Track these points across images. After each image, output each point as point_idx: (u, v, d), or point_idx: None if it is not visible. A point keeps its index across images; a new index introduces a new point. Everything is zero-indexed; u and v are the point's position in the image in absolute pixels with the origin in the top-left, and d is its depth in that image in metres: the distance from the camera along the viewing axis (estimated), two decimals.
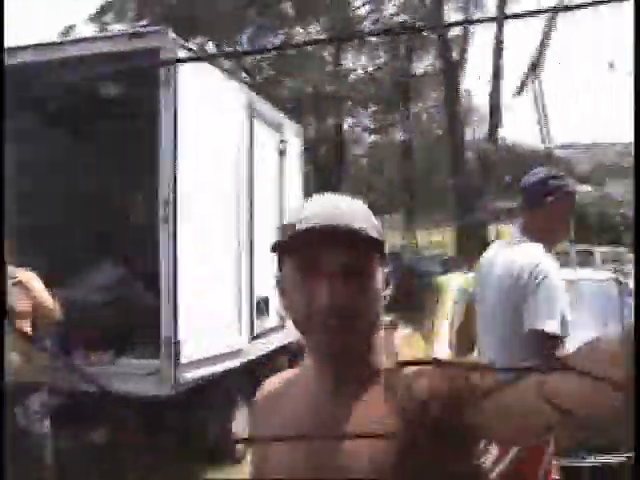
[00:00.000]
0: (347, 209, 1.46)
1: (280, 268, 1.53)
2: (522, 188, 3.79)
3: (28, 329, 5.35)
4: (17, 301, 5.31)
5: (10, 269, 5.31)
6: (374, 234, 1.45)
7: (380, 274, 1.48)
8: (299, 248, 1.46)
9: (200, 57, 6.84)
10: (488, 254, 3.87)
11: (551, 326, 3.26)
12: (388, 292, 1.52)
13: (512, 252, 3.60)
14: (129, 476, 6.49)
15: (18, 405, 5.39)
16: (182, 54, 6.01)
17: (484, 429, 1.33)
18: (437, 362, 1.44)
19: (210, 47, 32.41)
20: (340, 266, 1.42)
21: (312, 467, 1.46)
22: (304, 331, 1.48)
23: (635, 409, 0.81)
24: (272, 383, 1.72)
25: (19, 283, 5.38)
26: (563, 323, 3.33)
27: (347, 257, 1.42)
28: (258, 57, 34.95)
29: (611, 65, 30.88)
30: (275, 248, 1.49)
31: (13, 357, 5.24)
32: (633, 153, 0.83)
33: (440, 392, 1.34)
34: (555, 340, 3.28)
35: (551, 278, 3.34)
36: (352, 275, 1.42)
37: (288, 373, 1.73)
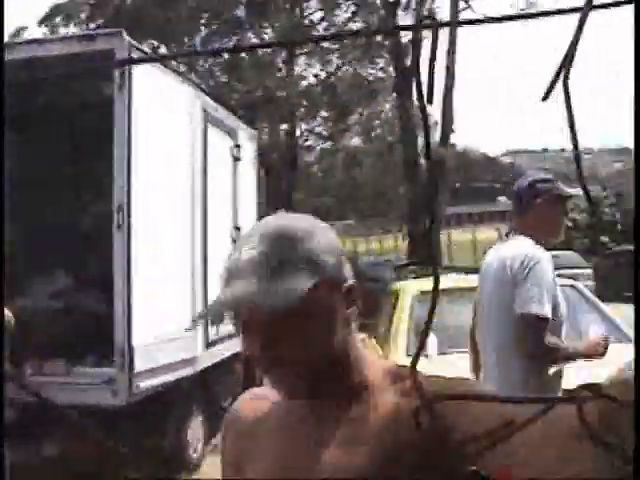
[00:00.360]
0: (261, 262, 1.33)
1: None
2: (514, 192, 3.86)
3: None
4: None
5: None
6: (285, 298, 1.31)
7: (326, 302, 1.38)
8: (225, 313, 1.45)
9: (155, 58, 6.72)
10: (486, 257, 4.01)
11: (540, 309, 3.36)
12: (350, 311, 1.43)
13: (505, 247, 3.76)
14: None
15: None
16: (135, 55, 5.91)
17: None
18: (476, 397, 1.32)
19: (163, 51, 32.26)
20: (261, 328, 1.34)
21: None
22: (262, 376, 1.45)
23: (635, 410, 0.77)
24: (244, 407, 1.62)
25: None
26: (555, 307, 3.46)
27: (266, 321, 1.34)
28: (210, 62, 34.86)
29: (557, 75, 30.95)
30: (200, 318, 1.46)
31: None
32: (633, 152, 0.79)
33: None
34: (545, 322, 3.37)
35: (542, 264, 3.46)
36: (280, 329, 1.34)
37: (259, 395, 1.62)
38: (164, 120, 6.59)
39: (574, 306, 7.02)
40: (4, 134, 5.30)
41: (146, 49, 6.35)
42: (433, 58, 0.76)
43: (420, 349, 0.92)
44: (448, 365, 5.66)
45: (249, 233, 1.43)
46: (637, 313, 0.93)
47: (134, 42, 5.97)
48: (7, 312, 5.45)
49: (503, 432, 1.03)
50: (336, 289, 1.40)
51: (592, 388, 0.78)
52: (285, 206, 38.41)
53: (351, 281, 1.44)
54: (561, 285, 7.14)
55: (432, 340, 5.97)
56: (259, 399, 1.59)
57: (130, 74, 5.80)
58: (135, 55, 5.91)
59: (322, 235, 1.41)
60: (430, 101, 0.80)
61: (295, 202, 41.68)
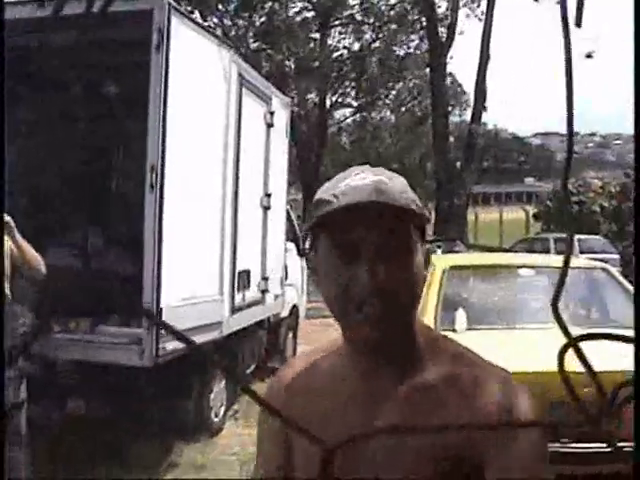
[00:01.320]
0: (387, 183, 1.35)
1: (313, 247, 1.43)
2: None
3: (6, 290, 5.09)
4: None
5: None
6: (413, 205, 1.36)
7: (421, 251, 1.39)
8: (338, 225, 1.34)
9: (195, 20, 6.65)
10: None
11: None
12: (427, 272, 1.44)
13: None
14: (104, 448, 6.41)
15: None
16: (174, 17, 5.86)
17: None
18: None
19: (197, 16, 32.17)
20: (382, 245, 1.32)
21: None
22: (341, 316, 1.37)
23: (635, 410, 0.74)
24: (297, 371, 1.57)
25: None
26: None
27: (390, 235, 1.33)
28: (243, 29, 34.75)
29: (589, 55, 30.49)
30: (311, 226, 1.40)
31: None
32: (634, 152, 0.75)
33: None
34: None
35: None
36: (395, 255, 1.33)
37: (314, 356, 1.57)
38: (200, 82, 6.56)
39: (604, 289, 6.97)
40: (4, 134, 5.28)
41: (184, 11, 6.26)
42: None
43: None
44: (474, 341, 5.66)
45: (351, 171, 1.43)
46: (637, 313, 0.91)
47: (173, 3, 5.91)
48: (40, 260, 5.33)
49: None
50: (424, 243, 1.42)
51: None
52: (312, 176, 38.42)
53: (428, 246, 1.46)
54: (592, 268, 7.15)
55: (460, 315, 5.95)
56: (313, 367, 1.54)
57: (168, 35, 5.76)
58: (174, 16, 5.86)
59: (412, 192, 1.44)
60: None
61: (321, 173, 41.63)
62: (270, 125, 8.77)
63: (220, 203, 7.11)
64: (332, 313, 1.39)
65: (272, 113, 8.78)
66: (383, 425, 1.36)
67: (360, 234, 1.33)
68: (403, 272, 1.34)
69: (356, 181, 1.36)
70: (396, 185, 1.37)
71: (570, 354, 0.71)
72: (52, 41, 6.55)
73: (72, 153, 8.07)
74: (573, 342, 0.59)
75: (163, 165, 5.78)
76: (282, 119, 9.49)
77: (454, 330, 5.78)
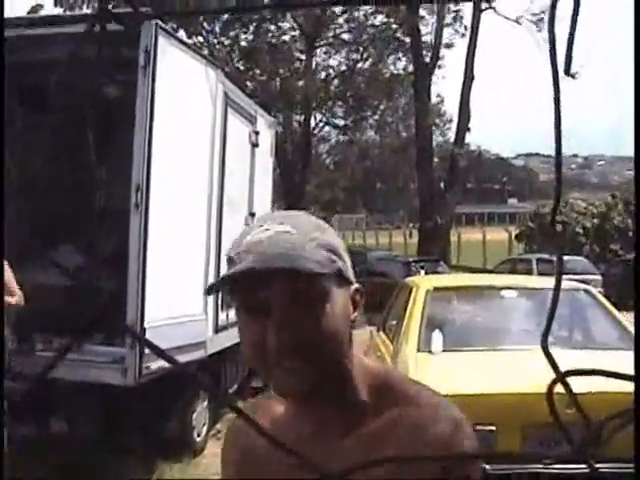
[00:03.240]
0: (284, 239, 1.30)
1: (231, 302, 1.38)
2: None
3: None
4: None
5: None
6: (313, 264, 1.28)
7: (340, 298, 1.34)
8: (241, 287, 1.31)
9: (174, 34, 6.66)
10: None
11: None
12: (356, 314, 1.39)
13: None
14: (85, 467, 6.38)
15: None
16: (162, 36, 5.89)
17: None
18: None
19: (182, 34, 32.25)
20: (287, 304, 1.28)
21: None
22: (258, 370, 1.34)
23: (636, 414, 0.75)
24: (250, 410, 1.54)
25: None
26: None
27: (293, 293, 1.28)
28: (228, 48, 34.86)
29: (573, 76, 30.83)
30: (213, 288, 1.40)
31: None
32: (634, 152, 0.78)
33: None
34: None
35: None
36: (304, 309, 1.29)
37: (263, 405, 1.55)
38: (187, 102, 6.58)
39: (586, 311, 7.00)
40: (4, 135, 5.30)
41: (171, 31, 6.29)
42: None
43: None
44: (451, 362, 5.67)
45: (258, 221, 1.39)
46: (637, 314, 0.93)
47: (161, 23, 5.94)
48: (18, 291, 5.45)
49: None
50: (348, 287, 1.38)
51: None
52: (297, 197, 38.48)
53: (357, 285, 1.42)
54: (575, 289, 7.19)
55: (437, 336, 5.97)
56: (262, 411, 1.51)
57: (155, 54, 5.79)
58: (161, 36, 5.89)
59: (335, 234, 1.40)
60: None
61: (306, 193, 41.69)
62: (255, 145, 8.81)
63: (205, 222, 7.13)
64: (249, 366, 1.37)
65: (257, 133, 8.82)
66: None
67: (263, 295, 1.29)
68: (316, 324, 1.29)
69: (258, 236, 1.32)
70: (301, 237, 1.31)
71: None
72: (39, 57, 6.55)
73: (56, 170, 8.05)
74: (561, 378, 0.60)
75: (148, 184, 5.80)
76: (267, 139, 9.54)
77: (430, 352, 5.81)
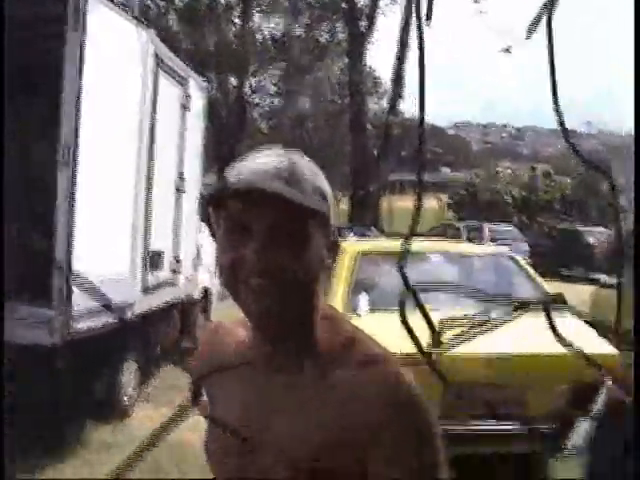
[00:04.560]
0: (283, 170, 1.38)
1: (214, 221, 1.45)
2: None
3: None
4: None
5: None
6: (310, 201, 1.37)
7: (319, 241, 1.41)
8: (231, 206, 1.38)
9: None
10: None
11: None
12: (330, 261, 1.45)
13: None
14: (12, 428, 6.35)
15: None
16: None
17: None
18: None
19: None
20: (273, 230, 1.35)
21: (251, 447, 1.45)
22: (232, 293, 1.41)
23: (635, 410, 0.82)
24: (208, 338, 1.70)
25: None
26: None
27: (275, 219, 1.35)
28: (164, 9, 34.38)
29: (507, 50, 31.36)
30: (206, 201, 1.43)
31: None
32: (634, 149, 0.84)
33: None
34: None
35: None
36: (286, 240, 1.36)
37: (227, 327, 1.64)
38: (116, 61, 6.53)
39: (510, 276, 7.18)
40: (4, 134, 5.25)
41: None
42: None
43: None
44: (376, 321, 5.79)
45: (257, 152, 1.47)
46: (637, 312, 0.98)
47: None
48: None
49: None
50: (328, 233, 1.44)
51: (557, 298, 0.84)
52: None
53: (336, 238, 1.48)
54: (499, 254, 7.37)
55: (363, 299, 6.08)
56: (224, 331, 1.62)
57: (84, 13, 5.73)
58: None
59: (323, 181, 1.47)
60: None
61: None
62: (186, 107, 8.77)
63: (133, 184, 7.11)
64: (223, 285, 1.42)
65: (188, 96, 8.79)
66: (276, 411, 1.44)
67: (251, 217, 1.36)
68: (294, 253, 1.36)
69: (258, 163, 1.40)
70: (297, 172, 1.39)
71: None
72: None
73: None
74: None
75: (76, 142, 5.76)
76: (198, 102, 9.51)
77: (358, 315, 5.92)
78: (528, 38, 0.71)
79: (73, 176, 5.77)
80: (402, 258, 0.85)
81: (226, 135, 37.90)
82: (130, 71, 6.94)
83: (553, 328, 0.79)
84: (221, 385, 1.55)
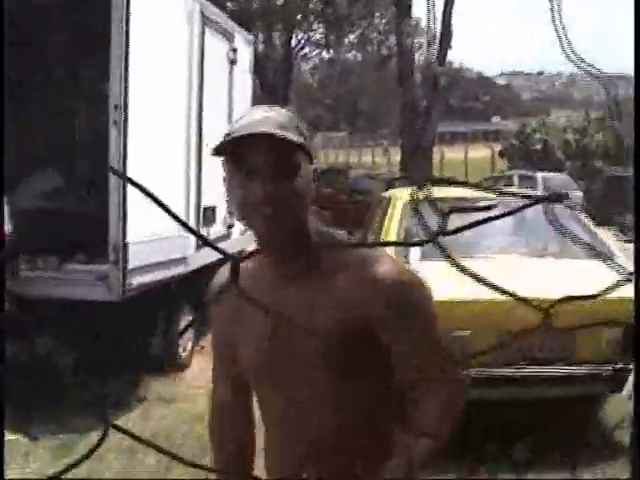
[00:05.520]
0: (271, 118, 1.71)
1: (224, 166, 1.77)
2: None
3: None
4: None
5: None
6: (294, 137, 1.70)
7: (308, 168, 1.77)
8: (236, 152, 1.71)
9: None
10: None
11: None
12: (314, 185, 1.80)
13: None
14: (73, 385, 6.52)
15: None
16: None
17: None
18: None
19: None
20: (266, 164, 1.69)
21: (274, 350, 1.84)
22: (246, 222, 1.75)
23: (635, 408, 0.84)
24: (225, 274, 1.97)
25: None
26: None
27: (271, 156, 1.69)
28: None
29: None
30: (214, 152, 1.75)
31: None
32: (634, 146, 0.85)
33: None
34: None
35: None
36: (282, 174, 1.70)
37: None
38: (162, 20, 6.55)
39: (563, 222, 7.13)
40: (4, 133, 5.29)
41: None
42: None
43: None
44: (427, 270, 5.79)
45: (250, 110, 1.89)
46: (637, 306, 0.98)
47: None
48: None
49: None
50: (311, 163, 1.80)
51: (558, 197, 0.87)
52: None
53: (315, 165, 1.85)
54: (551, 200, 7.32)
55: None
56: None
57: None
58: None
59: (300, 123, 1.81)
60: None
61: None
62: (233, 62, 8.79)
63: (184, 140, 7.18)
64: (238, 219, 1.80)
65: (235, 50, 8.80)
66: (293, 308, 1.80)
67: (252, 158, 1.69)
68: (288, 186, 1.70)
69: (251, 116, 1.74)
70: (278, 120, 1.71)
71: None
72: None
73: (35, 92, 8.04)
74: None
75: (126, 103, 5.83)
76: (245, 56, 9.52)
77: (407, 262, 5.93)
78: None
79: (124, 135, 5.84)
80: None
81: (274, 90, 37.85)
82: (177, 28, 6.97)
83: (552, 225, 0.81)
84: (245, 307, 1.85)
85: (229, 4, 32.83)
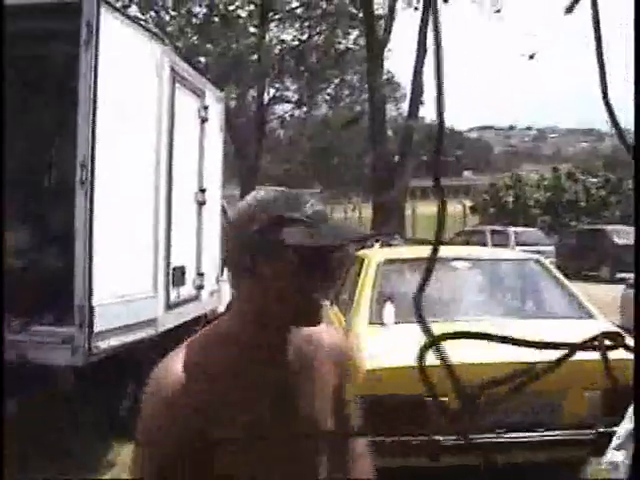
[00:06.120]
0: (345, 222, 1.76)
1: (269, 254, 1.64)
2: None
3: None
4: None
5: None
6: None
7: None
8: (314, 248, 1.65)
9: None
10: None
11: None
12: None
13: None
14: (39, 448, 6.32)
15: None
16: (104, 9, 5.77)
17: None
18: None
19: (134, 9, 31.82)
20: (339, 263, 1.70)
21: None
22: (292, 308, 1.68)
23: (635, 410, 0.76)
24: (192, 359, 1.79)
25: None
26: None
27: (340, 255, 1.70)
28: (182, 22, 34.48)
29: (531, 56, 31.58)
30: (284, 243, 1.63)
31: None
32: (633, 150, 0.75)
33: None
34: None
35: None
36: (341, 267, 1.79)
37: (202, 346, 1.87)
38: (131, 76, 6.47)
39: (538, 281, 7.06)
40: (4, 133, 5.22)
41: (114, 4, 6.16)
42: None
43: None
44: (402, 334, 5.67)
45: (291, 192, 1.78)
46: (637, 309, 0.93)
47: None
48: None
49: None
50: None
51: (614, 336, 0.78)
52: (251, 172, 38.30)
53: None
54: (526, 259, 7.25)
55: (388, 309, 5.96)
56: (204, 347, 1.85)
57: (97, 28, 5.68)
58: (104, 9, 5.77)
59: None
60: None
61: (261, 168, 41.48)
62: (204, 120, 8.71)
63: (153, 198, 7.04)
64: (272, 310, 1.70)
65: (206, 107, 8.73)
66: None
67: (335, 256, 1.68)
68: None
69: (314, 207, 1.69)
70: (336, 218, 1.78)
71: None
72: None
73: (11, 148, 7.94)
74: (434, 341, 0.60)
75: (93, 161, 5.71)
76: (216, 113, 9.45)
77: (382, 324, 5.81)
78: (569, 12, 0.64)
79: (91, 193, 5.71)
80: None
81: (246, 146, 37.95)
82: (146, 85, 6.88)
83: (607, 366, 0.71)
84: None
85: (202, 59, 33.07)
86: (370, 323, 5.91)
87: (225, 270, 10.11)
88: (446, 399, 4.15)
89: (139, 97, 6.72)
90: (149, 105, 6.96)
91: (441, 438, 4.87)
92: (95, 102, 5.70)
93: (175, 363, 1.79)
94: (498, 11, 31.98)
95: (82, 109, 5.72)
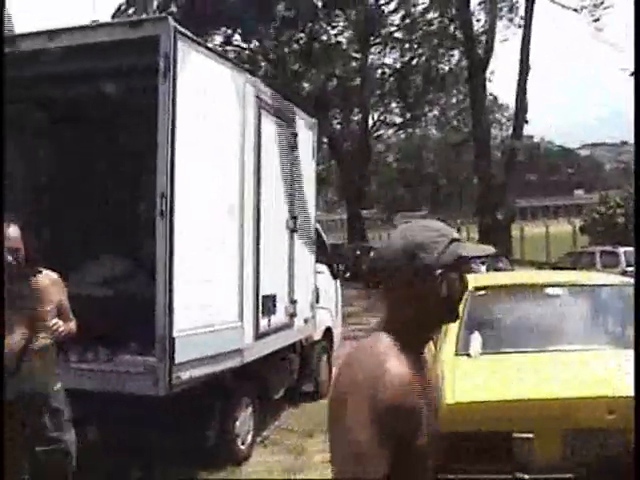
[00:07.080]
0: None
1: (442, 275, 2.04)
2: None
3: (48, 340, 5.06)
4: (40, 304, 4.99)
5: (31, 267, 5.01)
6: None
7: None
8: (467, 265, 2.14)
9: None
10: None
11: None
12: None
13: None
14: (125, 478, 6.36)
15: (47, 414, 5.03)
16: (181, 42, 5.80)
17: None
18: None
19: (218, 38, 32.36)
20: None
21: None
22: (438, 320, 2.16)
23: (635, 410, 0.64)
24: (400, 363, 1.98)
25: (43, 286, 5.06)
26: None
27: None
28: (285, 50, 34.86)
29: (632, 73, 30.78)
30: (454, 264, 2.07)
31: (36, 364, 4.99)
32: (634, 153, 0.62)
33: None
34: None
35: None
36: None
37: (393, 352, 2.01)
38: (211, 107, 6.47)
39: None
40: (4, 137, 5.28)
41: (193, 36, 6.19)
42: None
43: None
44: (486, 366, 5.44)
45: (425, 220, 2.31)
46: (637, 311, 0.81)
47: (180, 28, 5.85)
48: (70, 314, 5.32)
49: None
50: None
51: None
52: (358, 196, 38.35)
53: None
54: (627, 284, 6.85)
55: (475, 339, 5.73)
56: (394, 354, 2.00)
57: (175, 60, 5.71)
58: (181, 42, 5.80)
59: None
60: None
61: (367, 192, 41.54)
62: (294, 147, 8.68)
63: (238, 227, 7.01)
64: (426, 322, 2.08)
65: (295, 135, 8.70)
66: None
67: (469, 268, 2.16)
68: None
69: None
70: None
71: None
72: (62, 70, 6.56)
73: (91, 181, 8.11)
74: None
75: (172, 191, 5.72)
76: (307, 140, 9.41)
77: (468, 355, 5.59)
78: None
79: (171, 224, 5.71)
80: None
81: (352, 171, 38.02)
82: (228, 114, 6.88)
83: None
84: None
85: (305, 85, 33.34)
86: (456, 354, 5.69)
87: (320, 297, 10.04)
88: (531, 435, 3.95)
89: (221, 126, 6.71)
90: (232, 134, 6.95)
91: (527, 477, 4.63)
92: (174, 134, 5.72)
93: (391, 360, 1.97)
94: (597, 20, 31.31)
95: (161, 141, 5.75)
